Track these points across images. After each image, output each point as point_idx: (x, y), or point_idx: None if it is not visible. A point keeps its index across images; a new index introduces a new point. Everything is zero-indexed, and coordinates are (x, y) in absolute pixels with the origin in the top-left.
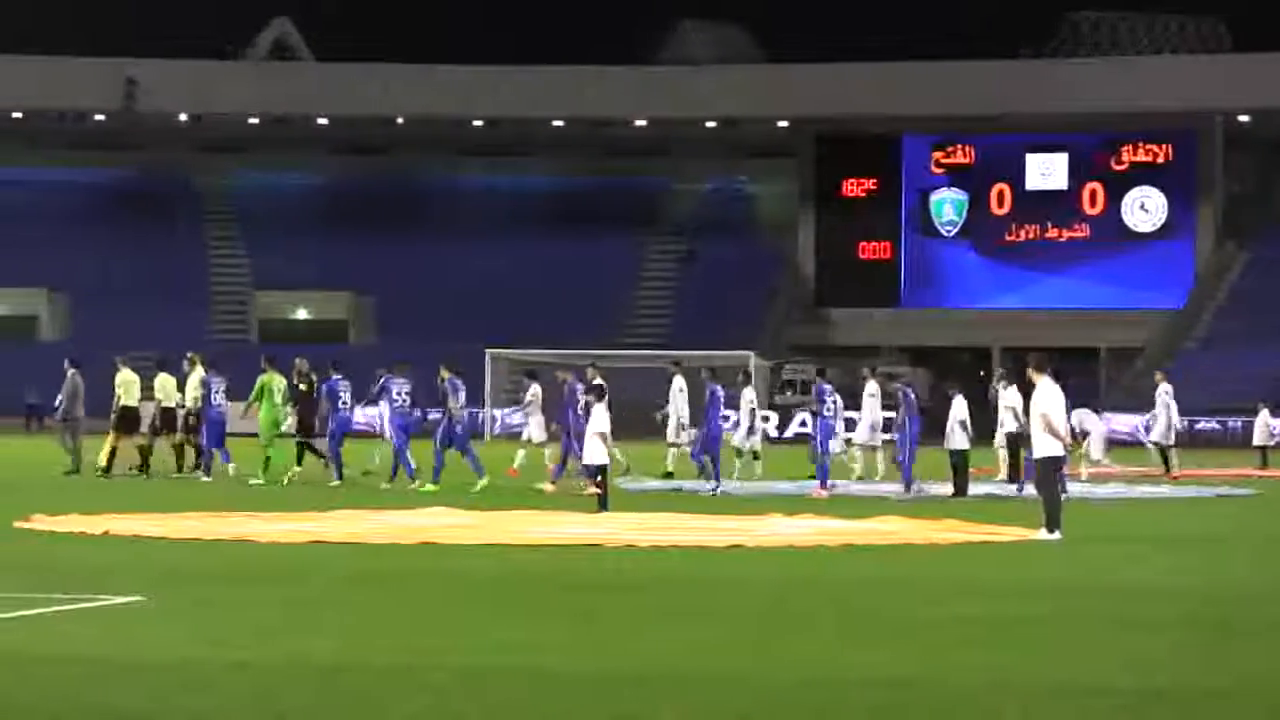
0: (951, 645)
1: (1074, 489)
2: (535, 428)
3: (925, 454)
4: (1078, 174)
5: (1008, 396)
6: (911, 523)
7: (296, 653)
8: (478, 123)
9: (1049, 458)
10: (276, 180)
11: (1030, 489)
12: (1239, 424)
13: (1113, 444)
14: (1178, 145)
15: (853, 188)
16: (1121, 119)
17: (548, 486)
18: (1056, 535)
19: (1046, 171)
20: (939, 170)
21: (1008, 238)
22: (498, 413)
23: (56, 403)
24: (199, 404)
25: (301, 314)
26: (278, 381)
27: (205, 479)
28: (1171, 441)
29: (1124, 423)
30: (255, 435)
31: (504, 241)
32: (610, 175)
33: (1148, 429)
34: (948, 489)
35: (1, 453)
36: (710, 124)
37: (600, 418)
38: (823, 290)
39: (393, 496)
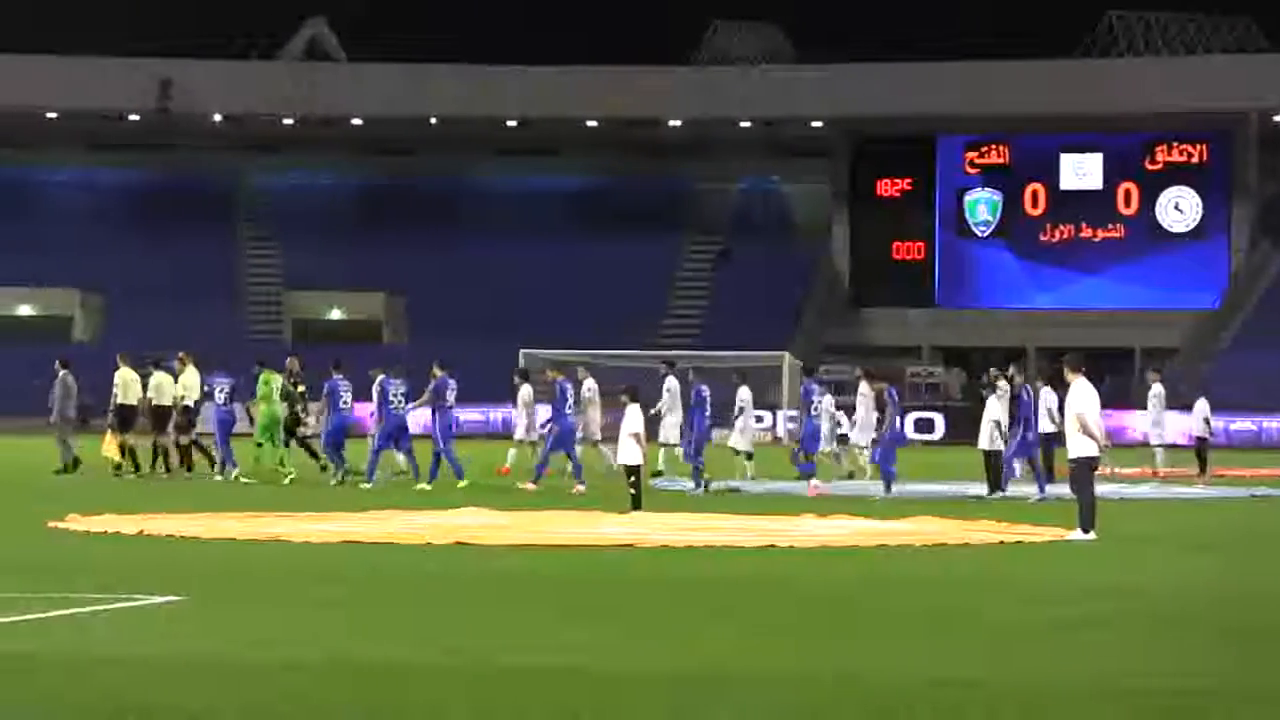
0: (993, 645)
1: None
2: (523, 427)
3: (958, 454)
4: (1112, 174)
5: (1044, 397)
6: (946, 523)
7: (338, 653)
8: (512, 123)
9: (1084, 458)
10: (310, 180)
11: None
12: (1276, 424)
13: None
14: (1213, 145)
15: (887, 188)
16: (1156, 119)
17: (529, 485)
18: (1091, 536)
19: (1081, 171)
20: (973, 170)
21: (1042, 238)
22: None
23: (49, 403)
24: (181, 402)
25: (335, 314)
26: (274, 380)
27: (217, 478)
28: (1163, 441)
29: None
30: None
31: (538, 242)
32: (644, 175)
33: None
34: (982, 489)
35: (36, 454)
36: (745, 124)
37: (634, 418)
38: (857, 290)
39: (426, 497)
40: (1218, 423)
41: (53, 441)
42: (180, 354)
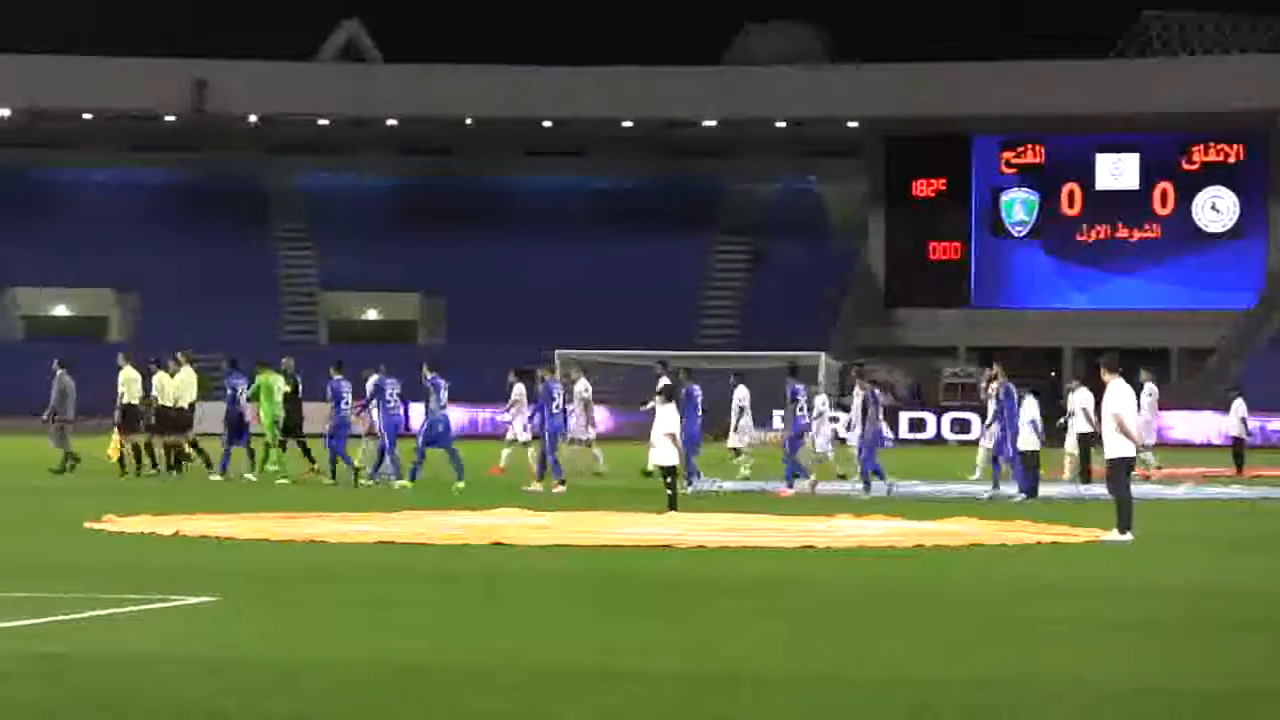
0: (1034, 645)
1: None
2: (520, 427)
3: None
4: (1149, 174)
5: (1079, 397)
6: (983, 524)
7: (375, 652)
8: (547, 123)
9: (1121, 458)
10: (346, 181)
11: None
12: None
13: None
14: (1249, 145)
15: (922, 188)
16: (1192, 119)
17: (535, 486)
18: (1128, 536)
19: (1117, 171)
20: (1009, 170)
21: (1078, 238)
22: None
23: (52, 402)
24: (178, 402)
25: (370, 314)
26: (276, 380)
27: (215, 477)
28: (1151, 441)
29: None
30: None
31: (573, 242)
32: (679, 176)
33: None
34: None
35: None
36: (779, 124)
37: (668, 418)
38: (893, 291)
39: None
40: (1254, 423)
41: (59, 441)
42: (177, 354)
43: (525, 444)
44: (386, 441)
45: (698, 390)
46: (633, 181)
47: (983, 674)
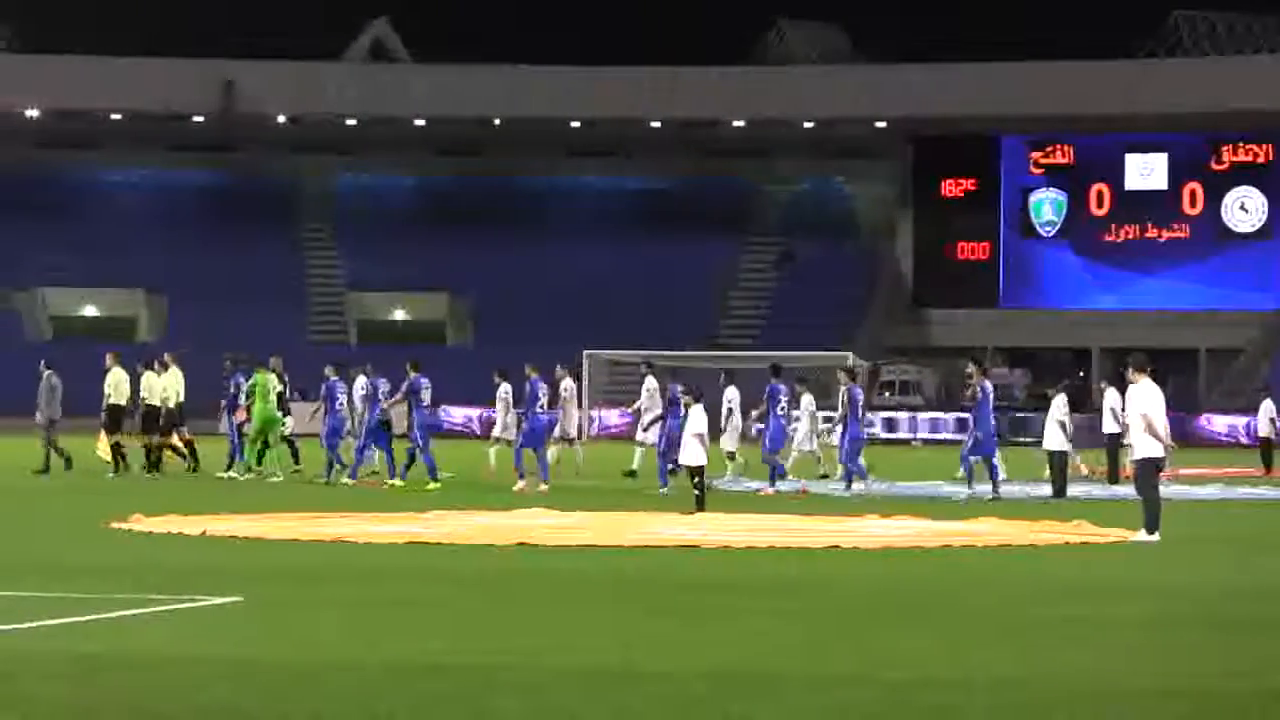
0: (1058, 645)
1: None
2: (503, 427)
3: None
4: (1177, 174)
5: (1109, 397)
6: (1010, 524)
7: (398, 653)
8: (575, 123)
9: (1149, 459)
10: (374, 181)
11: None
12: None
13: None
14: (1278, 145)
15: (951, 188)
16: (1221, 119)
17: (520, 485)
18: (1155, 537)
19: (1146, 171)
20: (1038, 170)
21: (1107, 238)
22: (595, 413)
23: (41, 402)
24: (165, 404)
25: (398, 315)
26: (270, 380)
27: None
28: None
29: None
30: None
31: (601, 242)
32: (707, 176)
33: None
34: (1045, 490)
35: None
36: (807, 125)
37: (697, 419)
38: (921, 291)
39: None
40: None
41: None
42: (166, 355)
43: (510, 443)
44: (380, 441)
45: (680, 391)
46: (660, 182)
47: (1007, 674)
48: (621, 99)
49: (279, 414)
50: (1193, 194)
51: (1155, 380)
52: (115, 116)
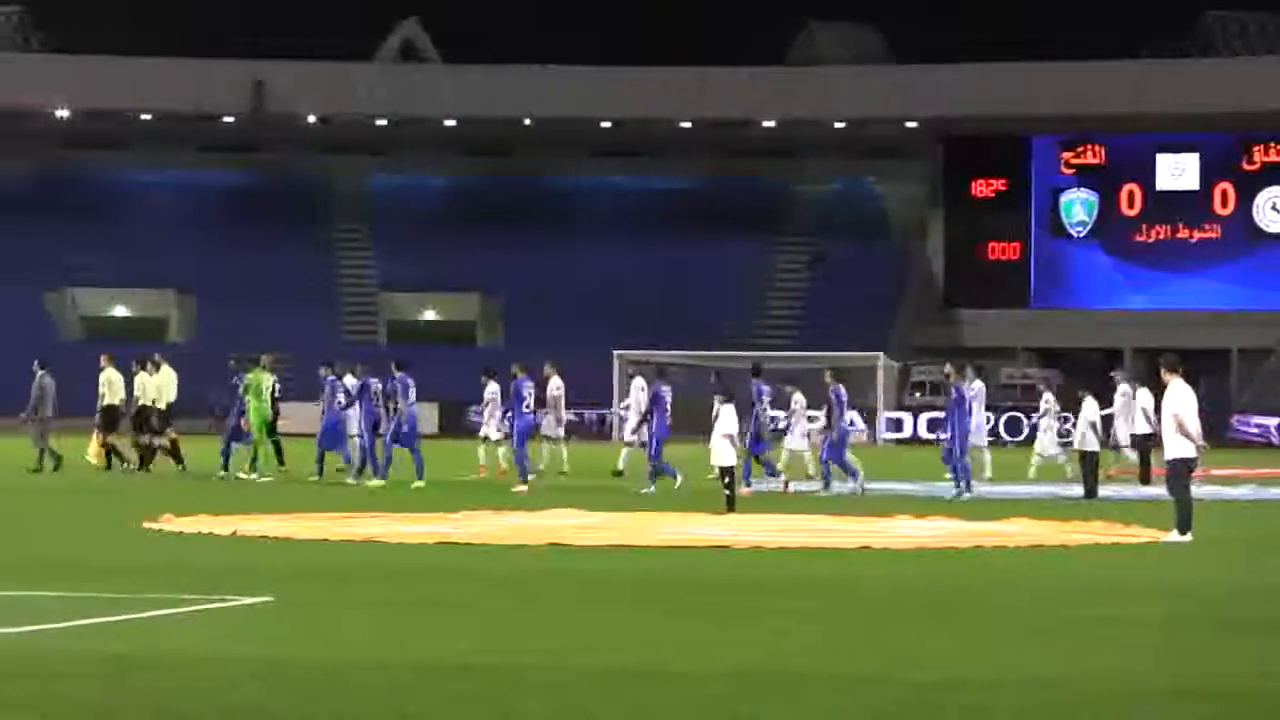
0: (1090, 647)
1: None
2: (493, 426)
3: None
4: (1209, 174)
5: (1140, 397)
6: (1041, 524)
7: (426, 653)
8: (605, 124)
9: (1181, 459)
10: (405, 182)
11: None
12: None
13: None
14: None
15: (982, 188)
16: (1253, 118)
17: (521, 487)
18: (1187, 537)
19: (1177, 172)
20: (1069, 170)
21: (1138, 238)
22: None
23: (32, 402)
24: (155, 404)
25: (430, 315)
26: (265, 380)
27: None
28: (1129, 443)
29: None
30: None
31: (631, 243)
32: (737, 176)
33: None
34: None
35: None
36: (838, 125)
37: (728, 419)
38: (952, 291)
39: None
40: None
41: (39, 440)
42: (155, 355)
43: (498, 442)
44: (367, 440)
45: (667, 391)
46: (691, 182)
47: (1036, 674)
48: (652, 99)
49: (272, 413)
50: (1224, 194)
51: (1187, 381)
52: (146, 116)
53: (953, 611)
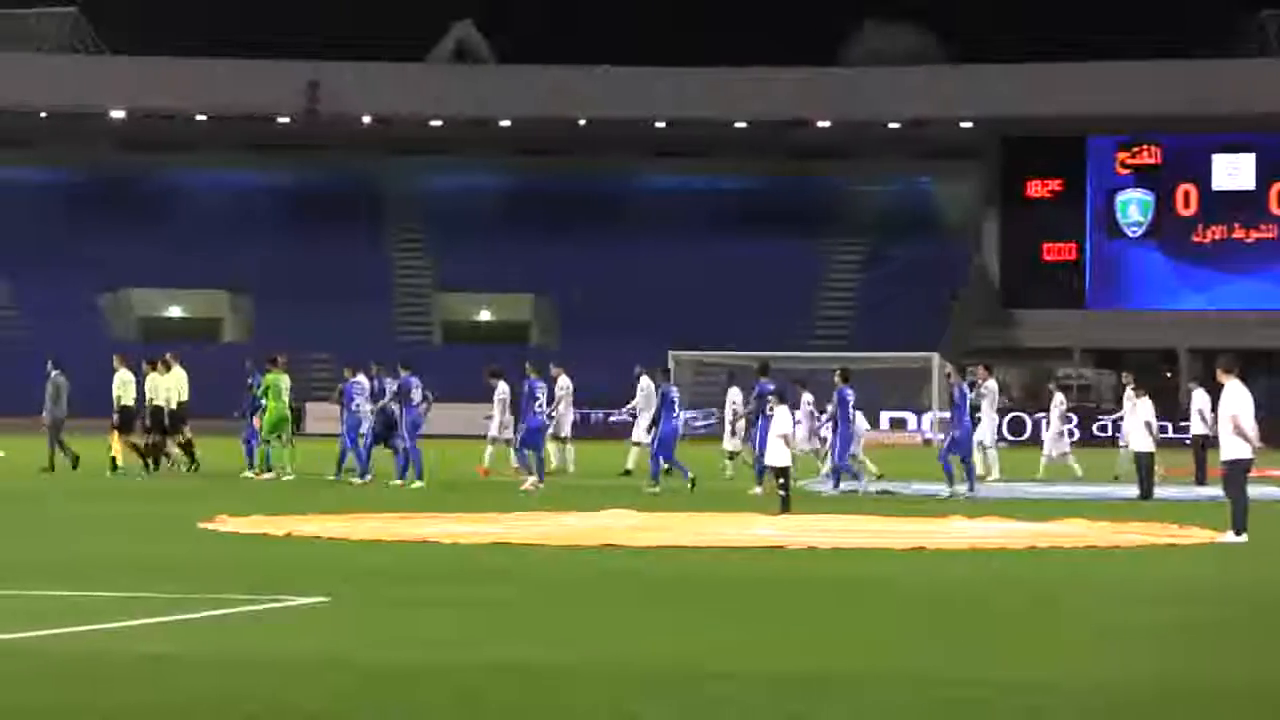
0: (1146, 649)
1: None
2: (498, 426)
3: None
4: (1265, 174)
5: (1196, 398)
6: (1096, 525)
7: (480, 653)
8: (660, 124)
9: (1237, 460)
10: (459, 182)
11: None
12: None
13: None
14: None
15: (1037, 188)
16: None
17: (529, 485)
18: (1243, 538)
19: (1233, 172)
20: (1125, 171)
21: (1194, 239)
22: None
23: (47, 402)
24: (168, 405)
25: (484, 315)
26: (282, 380)
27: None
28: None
29: None
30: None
31: (686, 243)
32: (792, 176)
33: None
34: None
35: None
36: (894, 125)
37: (782, 419)
38: (1007, 292)
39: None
40: None
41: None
42: (167, 355)
43: (507, 442)
44: (348, 440)
45: (675, 391)
46: (747, 182)
47: (1092, 676)
48: (707, 100)
49: (290, 413)
50: None
51: (1244, 381)
52: (201, 117)
53: (1007, 613)
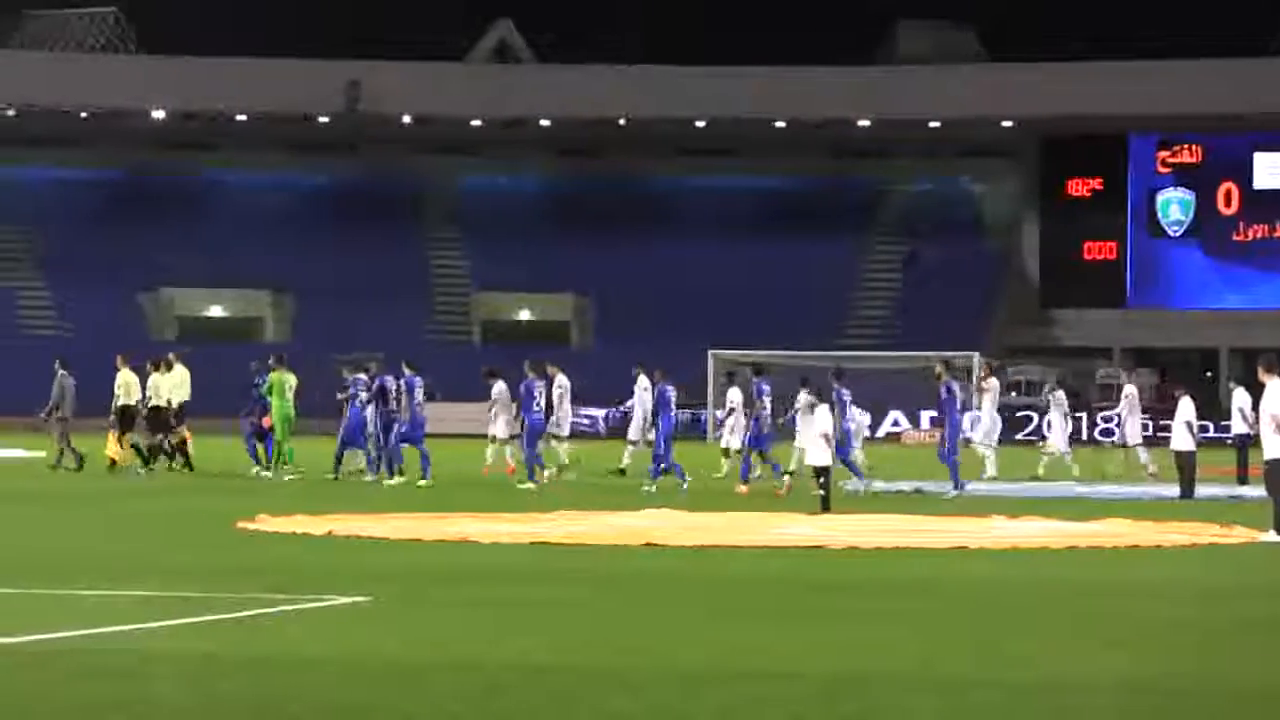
0: (1188, 648)
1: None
2: (500, 425)
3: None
4: None
5: (1237, 397)
6: (1137, 525)
7: (521, 652)
8: (700, 123)
9: (1278, 459)
10: (499, 182)
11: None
12: None
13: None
14: None
15: (1077, 187)
16: None
17: (528, 484)
18: None
19: (1275, 170)
20: (1165, 169)
21: (1235, 237)
22: (720, 414)
23: (52, 401)
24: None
25: (523, 315)
26: (288, 379)
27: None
28: (1139, 441)
29: None
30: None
31: (726, 242)
32: (832, 176)
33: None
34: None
35: (226, 453)
36: (933, 124)
37: (823, 419)
38: (1047, 291)
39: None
40: None
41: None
42: (170, 355)
43: (505, 442)
44: (358, 440)
45: (672, 390)
46: (785, 181)
47: (1133, 676)
48: (746, 98)
49: (294, 412)
50: None
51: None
52: (240, 117)
53: (1048, 612)
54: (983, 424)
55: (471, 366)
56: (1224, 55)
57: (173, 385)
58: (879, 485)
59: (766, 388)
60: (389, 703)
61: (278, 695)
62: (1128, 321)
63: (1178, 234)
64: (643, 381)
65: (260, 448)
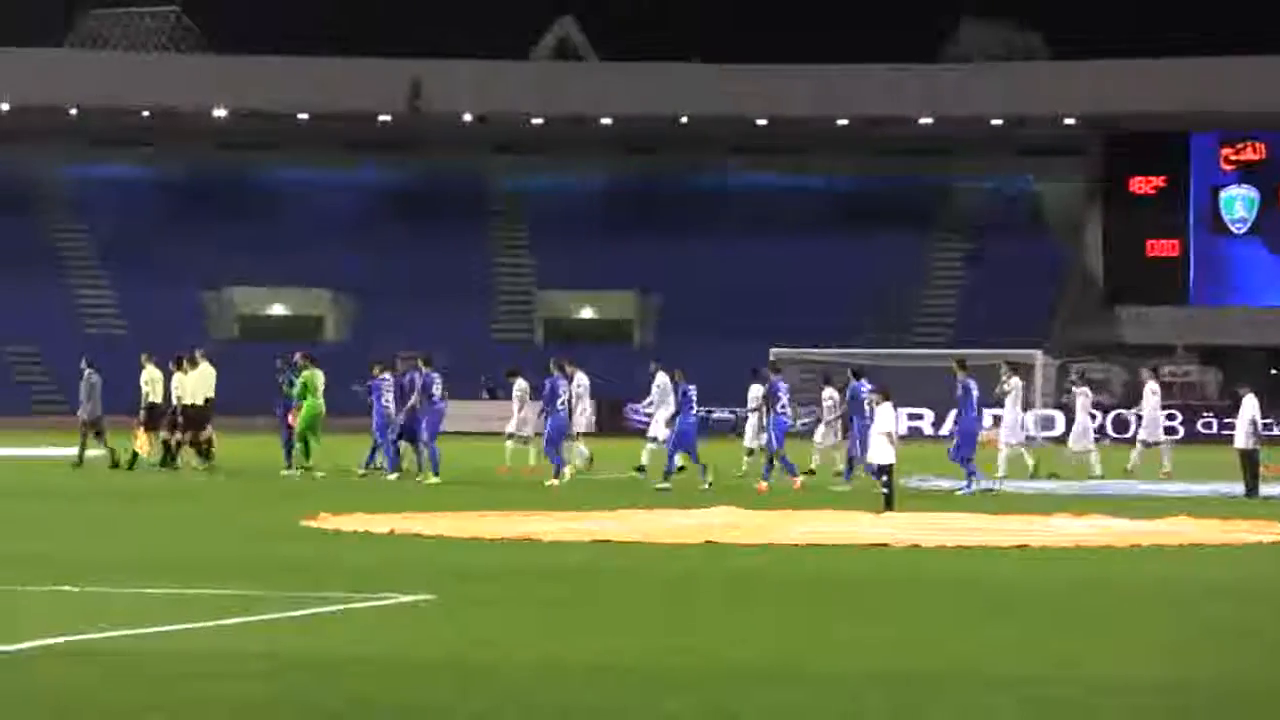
0: (1258, 647)
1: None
2: (518, 423)
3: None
4: None
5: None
6: (1201, 524)
7: (578, 652)
8: (761, 121)
9: None
10: (561, 180)
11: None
12: None
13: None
14: None
15: (1141, 185)
16: None
17: (553, 481)
18: None
19: None
20: (1229, 167)
21: None
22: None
23: (84, 401)
24: (194, 400)
25: (586, 313)
26: (318, 377)
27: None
28: (1160, 439)
29: None
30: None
31: (788, 241)
32: (894, 174)
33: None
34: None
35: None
36: (996, 121)
37: (886, 417)
38: (1111, 288)
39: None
40: None
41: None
42: (196, 352)
43: (527, 440)
44: (379, 436)
45: (693, 389)
46: (847, 180)
47: (1190, 676)
48: (808, 96)
49: (323, 409)
50: None
51: None
52: (302, 116)
53: (1110, 611)
54: (1005, 423)
55: (534, 366)
56: None
57: (196, 383)
58: (946, 484)
59: (784, 386)
60: (458, 702)
61: (334, 694)
62: (1191, 319)
63: (1241, 231)
64: (660, 379)
65: (299, 447)
